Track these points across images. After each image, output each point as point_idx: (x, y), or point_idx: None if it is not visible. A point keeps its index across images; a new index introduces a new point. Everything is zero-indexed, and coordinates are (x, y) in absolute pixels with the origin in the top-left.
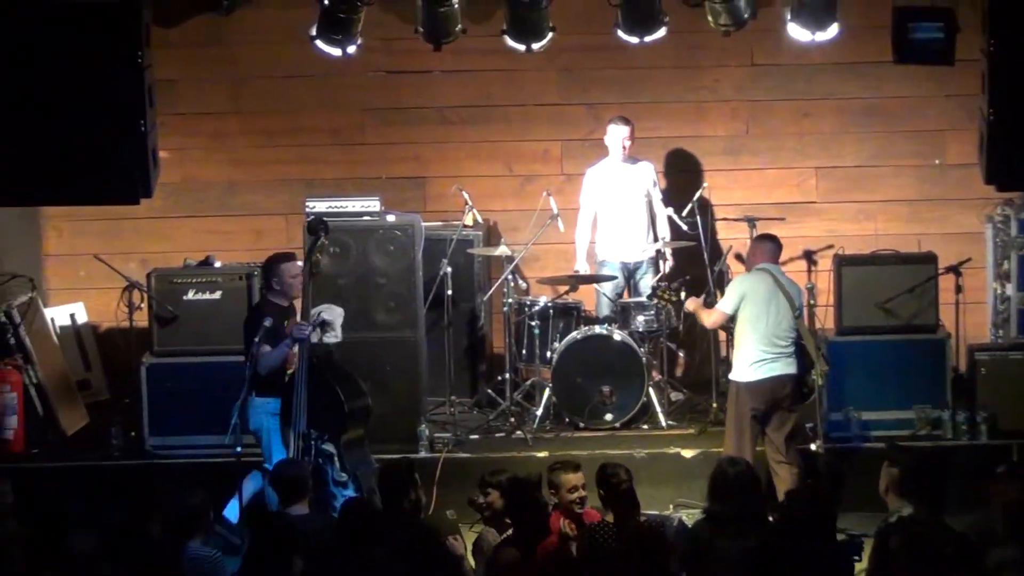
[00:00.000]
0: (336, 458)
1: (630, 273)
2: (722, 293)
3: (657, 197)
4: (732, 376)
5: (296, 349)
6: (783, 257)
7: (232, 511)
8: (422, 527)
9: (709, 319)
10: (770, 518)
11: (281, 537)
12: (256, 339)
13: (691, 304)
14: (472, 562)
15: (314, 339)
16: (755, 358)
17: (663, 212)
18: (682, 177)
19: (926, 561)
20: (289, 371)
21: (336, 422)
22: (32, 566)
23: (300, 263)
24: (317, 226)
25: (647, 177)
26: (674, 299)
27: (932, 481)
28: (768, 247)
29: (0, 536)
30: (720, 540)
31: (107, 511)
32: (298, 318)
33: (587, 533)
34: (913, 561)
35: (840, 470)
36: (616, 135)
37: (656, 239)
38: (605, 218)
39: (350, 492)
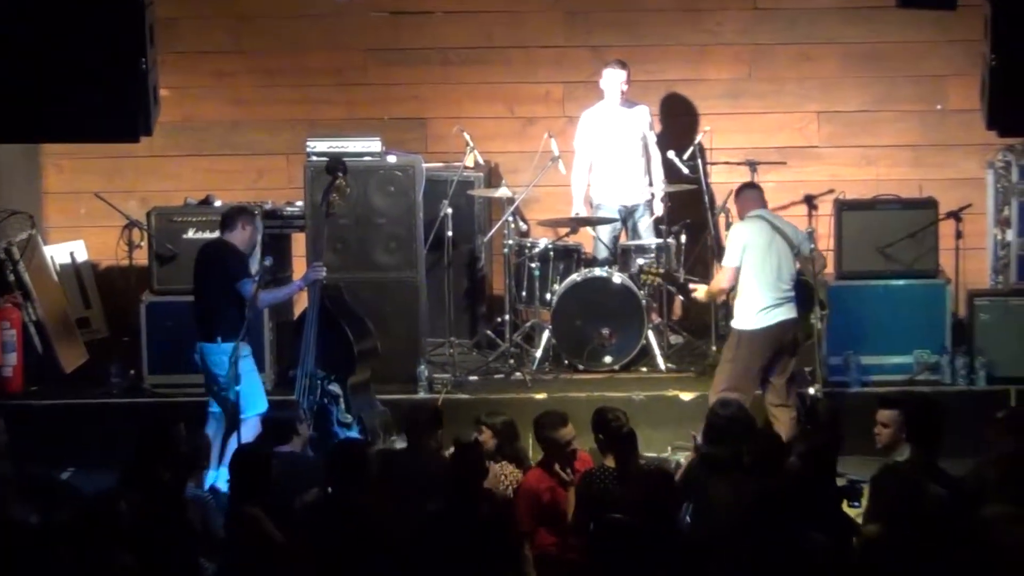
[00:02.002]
0: (341, 399)
1: (627, 215)
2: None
3: (652, 140)
4: (737, 324)
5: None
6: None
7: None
8: (447, 465)
9: (720, 282)
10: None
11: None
12: (257, 278)
13: (701, 294)
14: None
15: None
16: (762, 304)
17: (658, 156)
18: (684, 120)
19: (919, 506)
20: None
21: (344, 363)
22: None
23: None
24: (336, 166)
25: (643, 120)
26: (661, 274)
27: (930, 425)
28: (753, 194)
29: None
30: (716, 483)
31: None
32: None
33: (587, 479)
34: (906, 506)
35: (839, 416)
36: (613, 79)
37: (651, 183)
38: (601, 162)
39: (354, 433)
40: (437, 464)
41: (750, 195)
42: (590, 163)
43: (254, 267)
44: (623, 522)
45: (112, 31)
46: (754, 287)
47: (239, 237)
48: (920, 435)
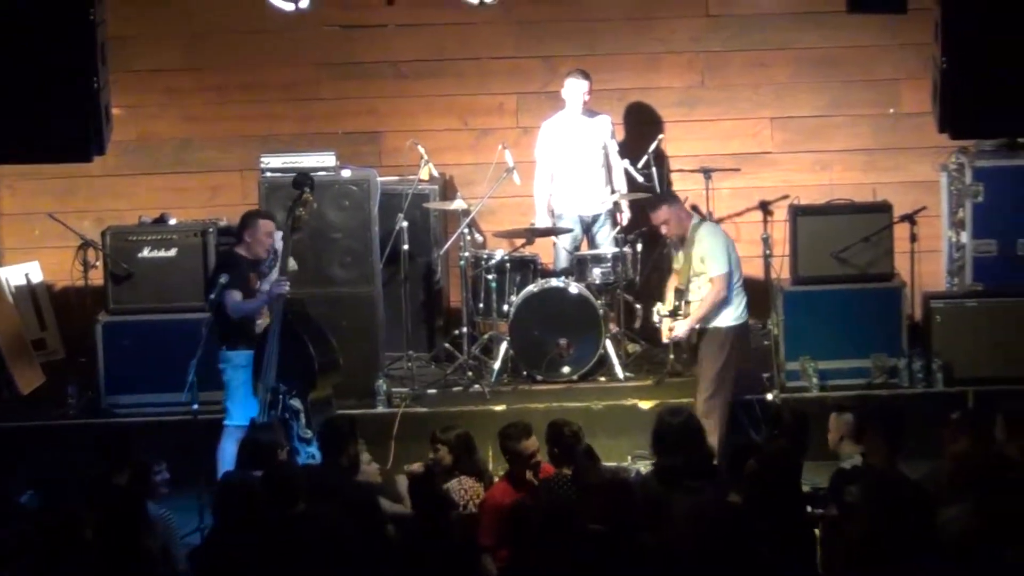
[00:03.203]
0: (302, 414)
1: (587, 226)
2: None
3: (614, 149)
4: (723, 323)
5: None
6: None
7: None
8: (358, 483)
9: (718, 292)
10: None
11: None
12: (211, 296)
13: (689, 324)
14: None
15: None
16: (743, 298)
17: (620, 165)
18: (638, 129)
19: (883, 509)
20: (259, 322)
21: (306, 378)
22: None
23: (274, 225)
24: (303, 181)
25: (605, 130)
26: (668, 314)
27: (888, 428)
28: (684, 204)
29: None
30: (674, 494)
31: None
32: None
33: (544, 485)
34: (870, 509)
35: (805, 420)
36: (575, 89)
37: (613, 192)
38: (562, 171)
39: (314, 449)
40: (348, 482)
41: (683, 206)
42: (551, 173)
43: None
44: (587, 532)
45: (63, 50)
46: (736, 284)
47: (243, 246)
48: (878, 438)
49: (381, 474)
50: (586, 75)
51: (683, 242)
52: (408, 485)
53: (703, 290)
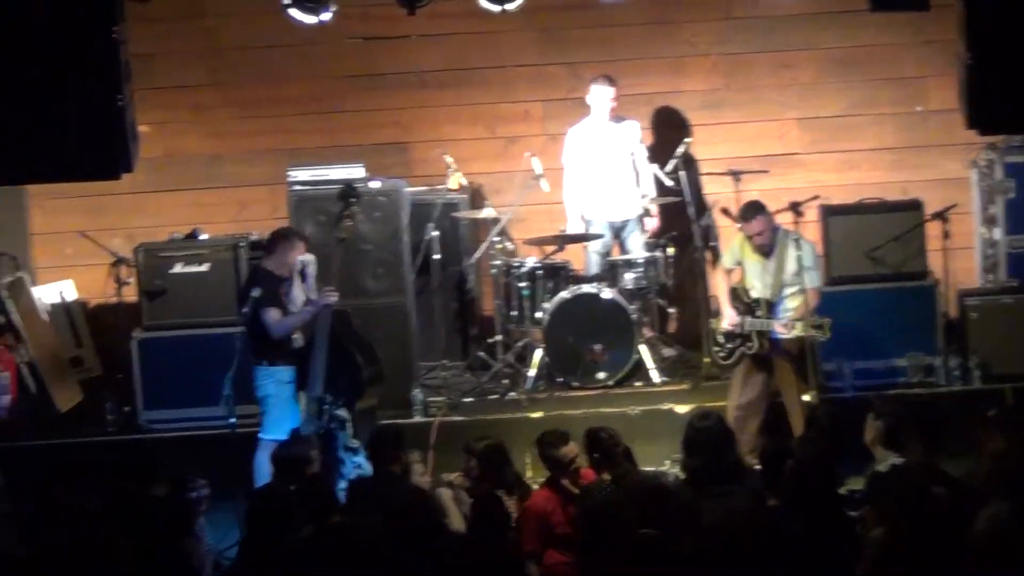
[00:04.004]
0: (348, 424)
1: (617, 231)
2: (712, 249)
3: (642, 155)
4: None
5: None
6: (770, 209)
7: None
8: (411, 489)
9: (815, 303)
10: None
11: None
12: (244, 309)
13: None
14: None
15: None
16: None
17: (648, 170)
18: (664, 133)
19: (923, 507)
20: (295, 337)
21: (353, 388)
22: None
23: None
24: (349, 193)
25: (632, 136)
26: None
27: (925, 428)
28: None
29: None
30: (704, 498)
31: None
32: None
33: (587, 491)
34: (910, 508)
35: (841, 421)
36: (602, 95)
37: (642, 197)
38: (590, 178)
39: (360, 459)
40: (402, 491)
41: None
42: (580, 178)
43: (296, 290)
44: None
45: (87, 69)
46: None
47: (271, 262)
48: (918, 437)
49: None
50: (612, 81)
51: (771, 251)
52: (472, 503)
53: (797, 300)
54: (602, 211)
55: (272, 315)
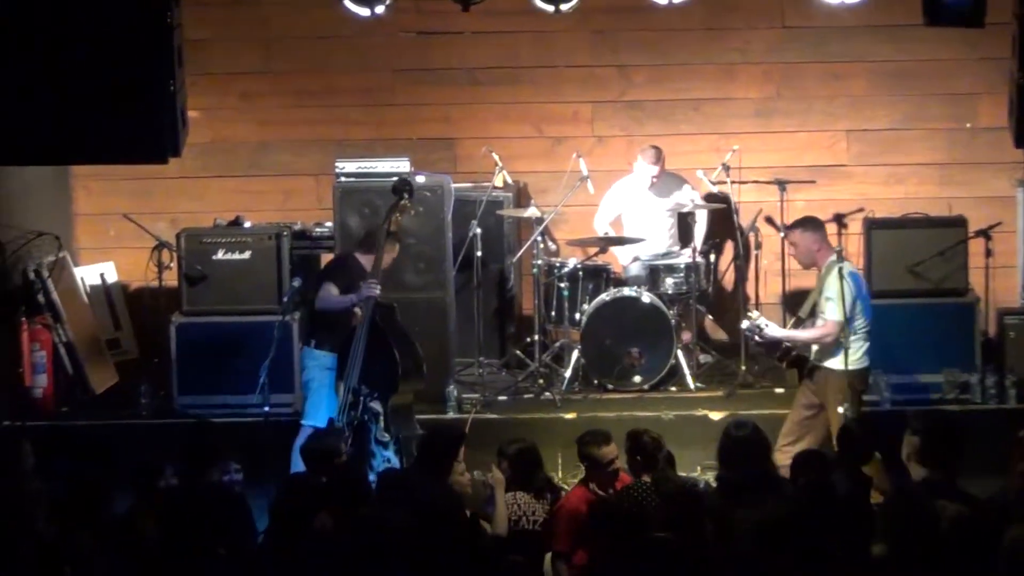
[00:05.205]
0: (381, 417)
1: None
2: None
3: (697, 209)
4: (838, 366)
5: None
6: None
7: None
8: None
9: (823, 334)
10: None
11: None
12: (286, 299)
13: (782, 335)
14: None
15: None
16: (861, 346)
17: (703, 222)
18: (712, 139)
19: (933, 524)
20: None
21: (388, 382)
22: (62, 527)
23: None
24: (402, 187)
25: (683, 198)
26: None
27: (945, 445)
28: (825, 235)
29: (24, 497)
30: (737, 507)
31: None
32: None
33: (627, 492)
34: (920, 525)
35: (875, 435)
36: (644, 172)
37: (691, 242)
38: (627, 224)
39: (390, 453)
40: (443, 494)
41: (822, 234)
42: (615, 217)
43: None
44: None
45: (141, 53)
46: (861, 329)
47: (367, 258)
48: (936, 455)
49: None
50: (657, 155)
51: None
52: (510, 461)
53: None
54: (636, 251)
55: (329, 288)
